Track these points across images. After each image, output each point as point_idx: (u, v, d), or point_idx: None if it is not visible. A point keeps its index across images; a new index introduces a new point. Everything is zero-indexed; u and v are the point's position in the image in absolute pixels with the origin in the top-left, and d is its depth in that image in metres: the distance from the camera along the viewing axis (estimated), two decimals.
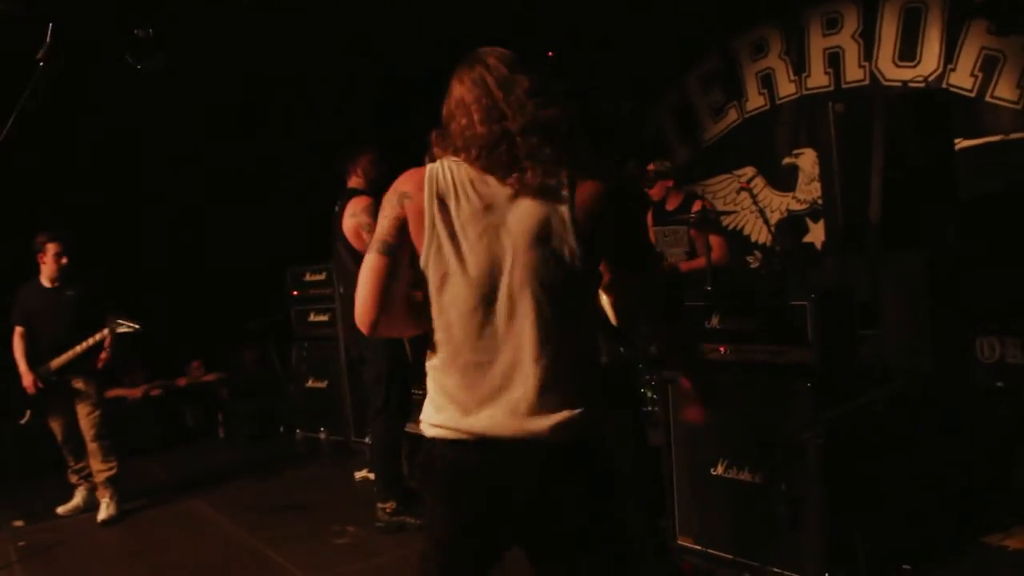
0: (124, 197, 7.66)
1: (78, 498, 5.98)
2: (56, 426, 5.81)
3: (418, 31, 7.22)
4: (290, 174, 7.88)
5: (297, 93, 7.72)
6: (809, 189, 6.19)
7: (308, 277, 7.27)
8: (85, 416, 5.68)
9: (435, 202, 1.87)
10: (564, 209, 1.85)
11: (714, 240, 5.11)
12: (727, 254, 5.61)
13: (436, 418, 1.91)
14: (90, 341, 5.59)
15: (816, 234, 6.18)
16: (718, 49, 6.79)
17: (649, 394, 4.54)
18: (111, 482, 5.70)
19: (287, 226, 7.75)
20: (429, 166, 1.93)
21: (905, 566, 3.40)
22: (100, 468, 5.69)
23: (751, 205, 6.40)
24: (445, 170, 1.91)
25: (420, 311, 1.94)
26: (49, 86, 1.48)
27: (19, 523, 5.76)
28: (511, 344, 1.85)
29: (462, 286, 1.86)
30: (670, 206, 5.78)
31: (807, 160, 6.19)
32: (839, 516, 3.28)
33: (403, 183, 1.94)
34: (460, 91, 1.94)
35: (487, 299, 1.85)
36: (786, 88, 6.35)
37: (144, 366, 8.06)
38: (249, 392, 8.25)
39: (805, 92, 6.25)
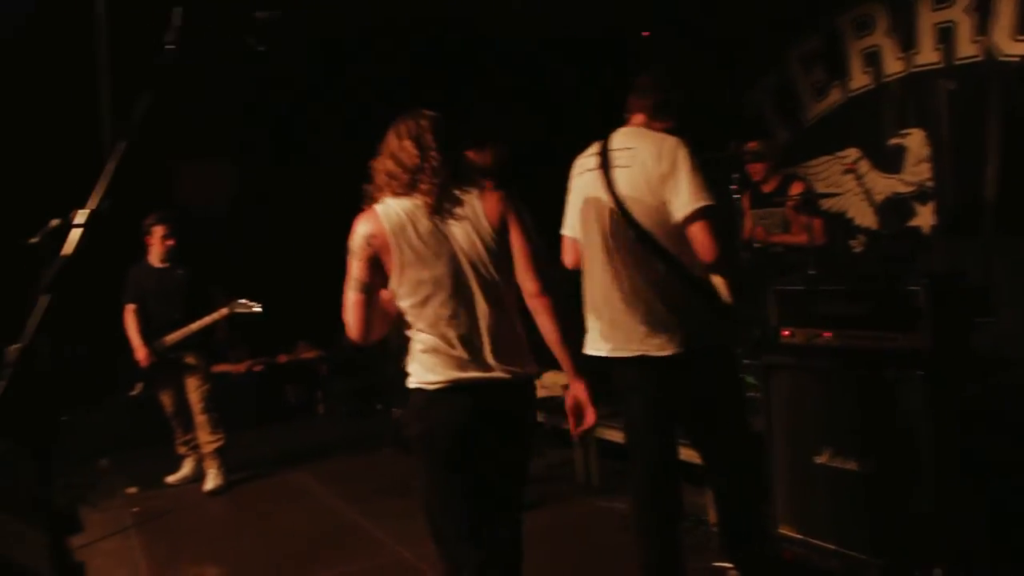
0: (230, 177, 7.89)
1: (187, 468, 6.24)
2: (166, 399, 6.07)
3: (516, 21, 7.25)
4: None
5: (403, 75, 7.86)
6: (916, 171, 5.96)
7: None
8: (194, 390, 5.91)
9: (395, 233, 2.55)
10: (481, 216, 2.60)
11: (814, 223, 5.00)
12: (826, 237, 5.49)
13: (430, 376, 2.60)
14: (207, 320, 5.80)
15: (924, 217, 5.96)
16: (821, 27, 6.59)
17: (749, 379, 4.46)
18: (218, 453, 5.93)
19: None
20: (377, 208, 2.60)
21: (1018, 564, 3.27)
22: (207, 440, 5.92)
23: (855, 187, 6.22)
24: (391, 208, 2.58)
25: (390, 317, 2.74)
26: (175, 72, 1.53)
27: (132, 490, 6.05)
28: (474, 318, 2.58)
29: (433, 284, 2.56)
30: (767, 188, 5.67)
31: (915, 140, 5.97)
32: (949, 510, 3.18)
33: (364, 228, 2.59)
34: (390, 146, 2.65)
35: (454, 290, 2.57)
36: (893, 66, 6.13)
37: (246, 343, 8.34)
38: (348, 370, 8.44)
39: (913, 69, 6.01)
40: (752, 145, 5.60)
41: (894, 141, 6.12)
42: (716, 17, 6.82)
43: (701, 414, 3.13)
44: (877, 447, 3.36)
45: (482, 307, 2.58)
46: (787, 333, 3.73)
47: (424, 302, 2.57)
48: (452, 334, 2.57)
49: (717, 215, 2.91)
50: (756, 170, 5.66)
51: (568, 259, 3.38)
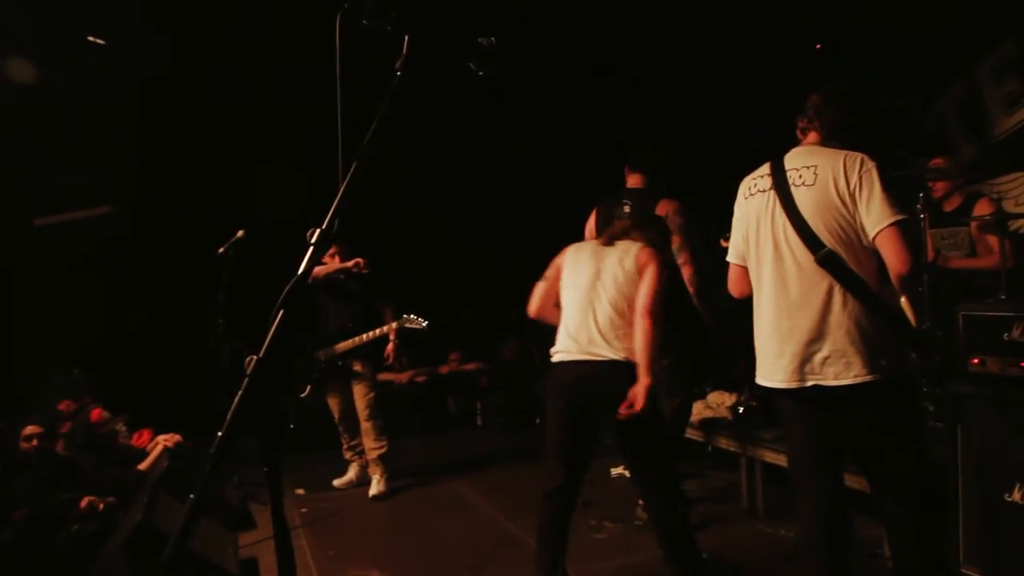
0: (396, 194, 8.17)
1: (351, 473, 6.47)
2: (334, 404, 6.33)
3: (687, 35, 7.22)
4: (560, 166, 8.14)
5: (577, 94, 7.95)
6: None
7: None
8: (361, 397, 6.12)
9: (569, 256, 3.94)
10: (629, 260, 3.78)
11: (1005, 244, 4.66)
12: (1016, 259, 5.11)
13: (554, 352, 3.77)
14: (376, 332, 6.03)
15: None
16: (1016, 34, 6.17)
17: (929, 407, 4.22)
18: (382, 460, 6.11)
19: (553, 219, 8.00)
20: (575, 244, 4.05)
21: None
22: (372, 446, 6.12)
23: None
24: (582, 244, 4.06)
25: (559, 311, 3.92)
26: (403, 97, 1.60)
27: (300, 491, 6.31)
28: (591, 317, 3.69)
29: (573, 289, 3.82)
30: (948, 207, 5.34)
31: None
32: None
33: (562, 254, 3.98)
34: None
35: (584, 295, 3.76)
36: None
37: (407, 353, 8.58)
38: (508, 383, 8.55)
39: None
40: (937, 162, 5.31)
41: None
42: (894, 25, 6.51)
43: (876, 446, 2.97)
44: None
45: (600, 311, 3.70)
46: (977, 362, 3.50)
47: (568, 299, 3.83)
48: (573, 324, 3.73)
49: (911, 228, 2.77)
50: (937, 188, 5.35)
51: (735, 288, 3.29)
